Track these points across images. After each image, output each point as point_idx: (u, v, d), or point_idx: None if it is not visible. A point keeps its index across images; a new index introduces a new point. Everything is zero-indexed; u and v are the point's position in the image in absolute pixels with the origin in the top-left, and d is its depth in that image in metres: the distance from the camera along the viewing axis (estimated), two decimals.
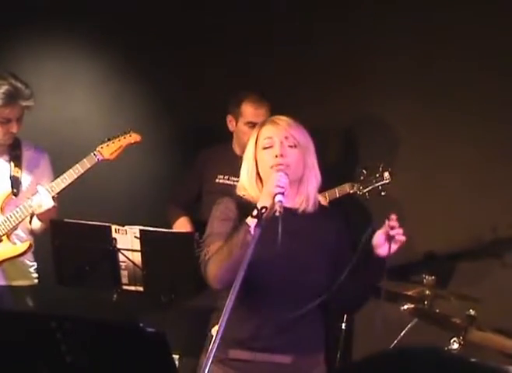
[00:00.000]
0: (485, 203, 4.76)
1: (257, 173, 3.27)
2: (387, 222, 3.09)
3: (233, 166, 4.82)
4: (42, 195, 4.32)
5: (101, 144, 4.56)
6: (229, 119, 4.87)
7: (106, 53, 5.48)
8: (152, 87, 5.50)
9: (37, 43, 5.42)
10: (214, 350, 2.74)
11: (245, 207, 3.17)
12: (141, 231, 4.22)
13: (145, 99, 5.54)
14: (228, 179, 4.82)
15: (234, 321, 3.11)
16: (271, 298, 3.15)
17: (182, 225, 4.82)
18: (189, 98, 5.46)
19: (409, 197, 4.97)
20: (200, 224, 4.77)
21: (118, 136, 4.62)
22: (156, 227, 4.36)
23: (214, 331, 3.32)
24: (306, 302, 3.16)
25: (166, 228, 4.60)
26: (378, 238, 3.13)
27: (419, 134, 4.98)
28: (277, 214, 2.98)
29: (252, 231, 3.01)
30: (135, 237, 4.22)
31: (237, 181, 4.73)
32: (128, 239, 4.23)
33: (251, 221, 3.03)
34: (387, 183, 4.63)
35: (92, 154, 4.52)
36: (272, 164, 3.19)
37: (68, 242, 4.26)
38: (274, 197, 3.02)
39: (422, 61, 4.97)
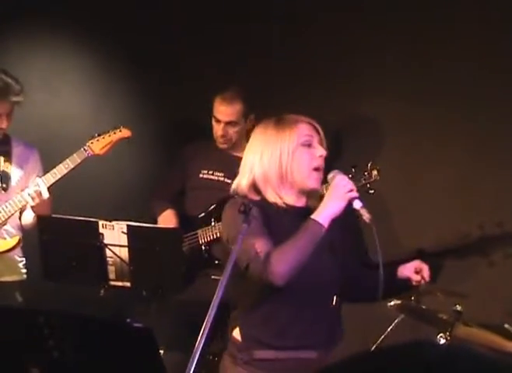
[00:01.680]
0: (472, 201, 4.77)
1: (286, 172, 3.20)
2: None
3: (217, 161, 4.85)
4: (40, 186, 4.33)
5: (91, 139, 4.57)
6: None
7: (94, 49, 5.47)
8: (140, 83, 5.50)
9: (25, 40, 5.40)
10: (200, 347, 2.74)
11: (261, 206, 3.16)
12: (128, 226, 4.21)
13: (133, 95, 5.54)
14: (212, 174, 4.83)
15: (257, 322, 3.19)
16: (294, 299, 3.15)
17: (168, 218, 4.80)
18: (176, 94, 5.45)
19: (397, 195, 4.98)
20: (184, 220, 4.78)
21: (108, 131, 4.62)
22: (144, 222, 4.36)
23: (235, 334, 3.29)
24: (324, 301, 3.22)
25: (153, 224, 4.61)
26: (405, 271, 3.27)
27: (407, 132, 4.99)
28: (367, 221, 3.03)
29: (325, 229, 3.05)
30: (123, 232, 4.21)
31: (222, 176, 4.80)
32: (115, 235, 4.22)
33: (325, 219, 3.05)
34: (376, 182, 4.63)
35: (82, 149, 4.52)
36: (316, 164, 3.19)
37: (55, 237, 4.25)
38: (350, 202, 3.07)
39: (410, 60, 4.97)
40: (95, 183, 5.35)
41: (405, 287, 3.33)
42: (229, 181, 4.77)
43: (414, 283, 3.29)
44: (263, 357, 3.19)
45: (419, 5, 4.93)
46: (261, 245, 3.07)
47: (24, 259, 4.58)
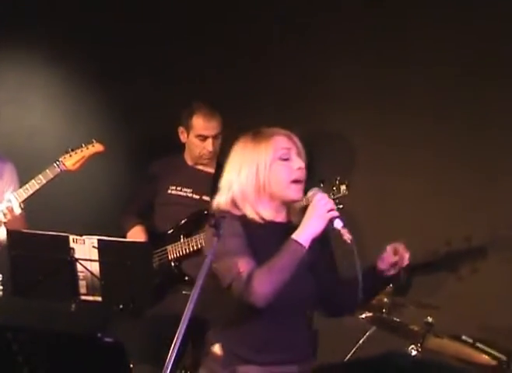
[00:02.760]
0: (439, 216, 4.80)
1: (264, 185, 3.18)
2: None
3: (185, 177, 4.85)
4: (12, 201, 4.31)
5: (64, 154, 4.56)
6: (181, 130, 4.87)
7: (65, 63, 5.46)
8: (111, 97, 5.50)
9: None
10: (172, 361, 2.73)
11: (243, 221, 3.15)
12: (99, 240, 4.20)
13: (104, 109, 5.53)
14: (180, 190, 4.82)
15: (237, 338, 3.17)
16: (276, 315, 3.13)
17: (136, 234, 4.78)
18: (148, 108, 5.46)
19: (365, 210, 4.99)
20: (153, 236, 4.78)
21: (81, 146, 4.61)
22: (114, 237, 4.34)
23: (216, 349, 3.25)
24: (303, 315, 3.24)
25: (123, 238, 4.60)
26: (385, 259, 3.24)
27: (376, 147, 5.01)
28: (348, 241, 3.03)
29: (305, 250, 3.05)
30: (93, 247, 4.19)
31: (190, 192, 4.80)
32: (85, 249, 4.20)
33: (305, 238, 3.05)
34: (344, 196, 4.64)
35: (54, 164, 4.51)
36: (294, 177, 3.17)
37: (25, 252, 4.21)
38: (331, 222, 3.06)
39: (378, 69, 5.00)
40: (65, 198, 5.33)
41: (385, 281, 3.29)
42: (197, 197, 4.78)
43: (393, 270, 3.24)
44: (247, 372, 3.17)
45: (394, 14, 4.96)
46: (243, 264, 3.05)
47: (1, 275, 4.54)
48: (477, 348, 3.96)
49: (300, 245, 3.04)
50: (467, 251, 4.66)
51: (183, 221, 4.72)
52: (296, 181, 3.19)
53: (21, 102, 5.47)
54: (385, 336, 4.35)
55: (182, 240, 4.70)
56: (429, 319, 4.08)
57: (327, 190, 4.63)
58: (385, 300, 4.31)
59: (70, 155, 4.57)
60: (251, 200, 3.18)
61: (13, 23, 5.33)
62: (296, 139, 3.26)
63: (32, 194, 4.42)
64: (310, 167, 5.06)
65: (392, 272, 3.25)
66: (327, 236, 3.24)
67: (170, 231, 4.75)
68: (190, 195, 4.79)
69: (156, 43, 5.46)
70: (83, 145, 4.62)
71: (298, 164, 3.20)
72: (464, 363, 4.09)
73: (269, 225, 3.19)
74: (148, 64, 5.46)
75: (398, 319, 4.28)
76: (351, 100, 5.05)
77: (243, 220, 3.17)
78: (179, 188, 4.82)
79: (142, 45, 5.47)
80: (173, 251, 4.71)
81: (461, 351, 4.04)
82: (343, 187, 4.60)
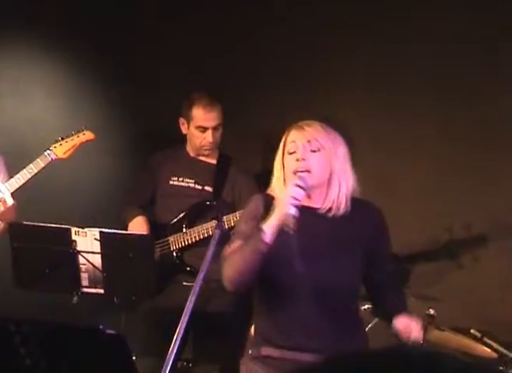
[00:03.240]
0: (440, 204, 4.80)
1: (284, 178, 3.28)
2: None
3: (187, 168, 4.84)
4: (4, 192, 4.31)
5: (54, 143, 4.56)
6: (182, 122, 4.85)
7: (66, 55, 5.44)
8: (111, 88, 5.48)
9: None
10: (174, 353, 2.74)
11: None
12: (101, 233, 4.20)
13: (103, 101, 5.51)
14: (182, 181, 4.81)
15: (267, 320, 3.27)
16: (297, 300, 3.18)
17: (138, 224, 4.75)
18: (148, 99, 5.45)
19: (365, 198, 4.99)
20: (155, 227, 4.77)
21: (72, 135, 4.62)
22: (116, 229, 4.34)
23: (252, 331, 3.45)
24: (333, 305, 3.21)
25: (124, 230, 4.60)
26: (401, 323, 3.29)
27: (376, 137, 5.02)
28: (290, 231, 3.06)
29: (267, 239, 3.07)
30: (95, 239, 4.20)
31: (192, 183, 4.80)
32: (87, 241, 4.21)
33: (268, 228, 3.08)
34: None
35: (45, 153, 4.52)
36: (294, 169, 3.21)
37: (28, 244, 4.22)
38: (287, 209, 3.07)
39: (378, 67, 5.00)
40: (67, 190, 5.33)
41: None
42: (199, 188, 4.77)
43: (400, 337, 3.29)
44: (268, 354, 3.25)
45: (393, 16, 4.97)
46: (233, 247, 3.18)
47: None
48: (483, 342, 3.96)
49: (262, 232, 3.09)
50: (467, 239, 4.67)
51: (185, 212, 4.72)
52: (295, 172, 3.22)
53: (21, 94, 5.46)
54: (387, 328, 4.35)
55: (184, 231, 4.69)
56: (431, 311, 4.08)
57: None
58: None
59: (61, 144, 4.58)
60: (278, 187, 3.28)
61: (11, 14, 5.31)
62: (308, 128, 3.29)
63: (24, 184, 4.42)
64: None
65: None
66: (384, 228, 3.27)
67: (172, 222, 4.74)
68: (192, 186, 4.78)
69: (157, 33, 5.45)
70: (73, 133, 4.63)
71: (298, 155, 3.23)
72: (466, 355, 4.10)
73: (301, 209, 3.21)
74: (148, 55, 5.45)
75: None
76: (356, 97, 5.05)
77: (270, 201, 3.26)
78: (181, 179, 4.81)
79: (142, 35, 5.45)
80: (176, 242, 4.71)
81: (463, 344, 4.05)
82: None
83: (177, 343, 2.75)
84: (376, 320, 4.37)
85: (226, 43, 5.37)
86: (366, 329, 4.38)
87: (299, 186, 3.11)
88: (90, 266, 4.24)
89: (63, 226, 4.23)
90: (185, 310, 2.81)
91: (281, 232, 3.08)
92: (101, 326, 2.76)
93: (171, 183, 4.81)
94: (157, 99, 5.42)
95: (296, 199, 3.08)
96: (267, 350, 3.25)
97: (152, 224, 4.77)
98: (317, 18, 5.17)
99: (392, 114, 4.97)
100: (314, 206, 3.26)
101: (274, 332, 3.23)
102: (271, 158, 3.38)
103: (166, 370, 2.72)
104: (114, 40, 5.44)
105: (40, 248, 4.22)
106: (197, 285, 2.87)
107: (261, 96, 5.23)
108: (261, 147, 5.03)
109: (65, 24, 5.40)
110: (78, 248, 4.22)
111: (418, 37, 4.89)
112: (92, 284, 4.29)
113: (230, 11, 5.39)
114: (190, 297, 2.84)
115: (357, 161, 4.95)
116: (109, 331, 2.75)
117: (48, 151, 4.53)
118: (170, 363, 2.73)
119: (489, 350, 3.97)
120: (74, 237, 4.21)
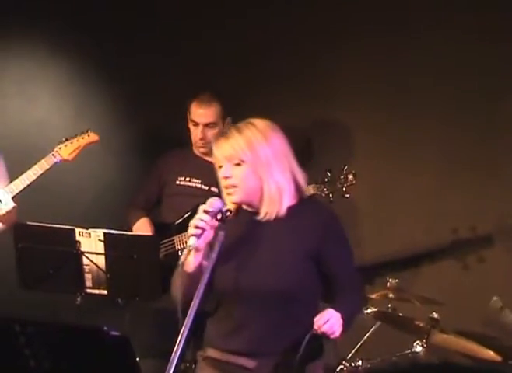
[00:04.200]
0: (445, 205, 4.80)
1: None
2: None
3: (194, 168, 4.83)
4: (3, 196, 4.31)
5: (59, 144, 4.58)
6: (187, 117, 4.87)
7: (69, 57, 5.45)
8: (116, 91, 5.49)
9: (0, 46, 5.37)
10: (178, 354, 2.74)
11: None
12: (105, 234, 4.21)
13: (109, 102, 5.52)
14: (189, 181, 4.81)
15: (214, 321, 3.25)
16: (242, 304, 3.16)
17: (142, 226, 4.77)
18: (153, 101, 5.45)
19: (372, 200, 5.00)
20: (160, 227, 4.77)
21: (76, 136, 4.64)
22: (120, 230, 4.35)
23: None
24: (272, 310, 3.15)
25: (129, 232, 4.60)
26: None
27: (381, 137, 5.02)
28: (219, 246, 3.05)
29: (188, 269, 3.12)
30: (99, 240, 4.20)
31: (198, 183, 4.80)
32: (91, 242, 4.22)
33: (185, 258, 3.13)
34: (352, 185, 4.64)
35: (50, 154, 4.54)
36: (223, 186, 3.21)
37: (32, 245, 4.22)
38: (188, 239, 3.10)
39: (385, 65, 5.00)
40: (72, 191, 5.34)
41: None
42: (205, 188, 4.77)
43: None
44: (211, 356, 3.25)
45: (396, 13, 4.96)
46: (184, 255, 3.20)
47: None
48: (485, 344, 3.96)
49: (182, 265, 3.16)
50: (472, 241, 4.67)
51: (190, 212, 4.71)
52: (226, 187, 3.21)
53: (27, 94, 5.47)
54: (390, 331, 4.35)
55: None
56: (435, 315, 4.07)
57: (335, 179, 4.62)
58: (390, 295, 4.30)
59: (65, 145, 4.60)
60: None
61: (16, 15, 5.32)
62: (223, 142, 3.21)
63: (29, 185, 4.43)
64: (312, 155, 5.11)
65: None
66: (333, 230, 3.24)
67: (177, 222, 4.74)
68: (199, 186, 4.78)
69: (163, 33, 5.46)
70: (78, 135, 4.64)
71: (222, 173, 3.22)
72: (470, 358, 4.09)
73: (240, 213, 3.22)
74: (154, 55, 5.45)
75: (403, 315, 4.29)
76: (358, 97, 5.05)
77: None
78: (187, 179, 4.81)
79: (147, 36, 5.46)
80: (181, 241, 4.70)
81: (466, 347, 4.04)
82: (350, 176, 4.61)
83: (181, 344, 2.75)
84: (378, 324, 4.37)
85: (229, 41, 5.37)
86: (369, 333, 4.40)
87: (205, 212, 3.08)
88: (94, 266, 4.24)
89: (67, 227, 4.24)
90: (189, 311, 2.80)
91: (219, 243, 3.05)
92: (105, 328, 2.75)
93: (178, 182, 4.82)
94: (162, 99, 5.42)
95: (199, 227, 3.06)
96: (210, 352, 3.25)
97: (158, 223, 4.77)
98: (315, 16, 5.18)
99: (396, 114, 4.97)
100: (254, 212, 3.23)
101: (216, 336, 3.23)
102: None
103: (169, 371, 2.71)
104: (119, 39, 5.44)
105: (44, 248, 4.22)
106: (201, 287, 2.87)
107: (268, 100, 5.23)
108: None
109: (70, 24, 5.41)
110: (82, 249, 4.22)
111: (419, 35, 4.89)
112: (95, 285, 4.30)
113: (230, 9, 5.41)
114: (194, 298, 2.84)
115: (361, 162, 4.98)
116: (113, 332, 2.75)
117: (53, 153, 4.54)
118: (174, 365, 2.72)
119: (493, 353, 3.96)
120: (78, 238, 4.21)
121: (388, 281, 4.33)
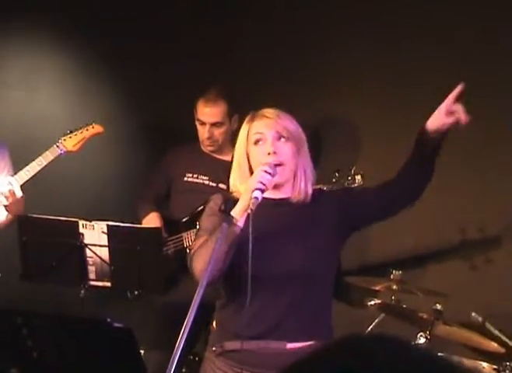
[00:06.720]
0: (454, 205, 4.77)
1: (250, 168, 3.17)
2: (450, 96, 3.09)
3: (202, 165, 4.83)
4: (13, 184, 4.31)
5: (64, 136, 4.58)
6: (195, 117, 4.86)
7: (72, 47, 5.43)
8: (119, 82, 5.48)
9: (1, 37, 5.36)
10: (181, 347, 2.73)
11: (234, 204, 3.10)
12: (108, 226, 4.21)
13: (112, 94, 5.51)
14: (197, 178, 4.79)
15: (230, 313, 3.20)
16: (267, 289, 3.11)
17: (152, 220, 4.77)
18: (157, 93, 5.44)
19: None
20: (169, 223, 4.77)
21: (81, 128, 4.65)
22: (124, 222, 4.35)
23: (214, 326, 3.37)
24: (295, 293, 3.13)
25: (133, 224, 4.59)
26: (438, 113, 3.18)
27: (387, 136, 4.99)
28: (249, 211, 2.97)
29: (239, 223, 3.01)
30: (103, 232, 4.20)
31: (206, 180, 4.80)
32: (95, 234, 4.22)
33: (236, 213, 3.01)
34: (359, 186, 4.63)
35: (54, 146, 4.54)
36: (265, 162, 3.09)
37: (35, 237, 4.23)
38: (252, 192, 2.97)
39: (390, 61, 4.97)
40: (75, 183, 5.33)
41: (437, 142, 3.28)
42: (213, 184, 4.75)
43: (448, 126, 3.16)
44: (232, 348, 3.16)
45: (399, 9, 4.95)
46: (198, 243, 3.13)
47: None
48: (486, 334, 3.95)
49: (232, 219, 3.01)
50: (481, 240, 4.64)
51: (198, 209, 4.70)
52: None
53: (29, 86, 5.46)
54: (394, 323, 4.35)
55: (197, 227, 4.68)
56: (438, 306, 4.07)
57: (343, 180, 4.61)
58: (394, 287, 4.30)
59: (70, 137, 4.60)
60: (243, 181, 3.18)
61: (17, 7, 5.31)
62: (272, 116, 3.18)
63: (33, 176, 4.43)
64: (326, 157, 5.09)
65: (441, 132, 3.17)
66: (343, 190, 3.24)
67: (185, 219, 4.73)
68: (206, 182, 4.76)
69: (167, 24, 5.44)
70: (83, 127, 4.65)
71: (268, 149, 3.12)
72: (473, 350, 4.09)
73: (266, 203, 3.13)
74: (158, 46, 5.44)
75: (406, 306, 4.29)
76: (364, 96, 5.02)
77: (229, 198, 3.19)
78: (195, 175, 4.80)
79: (152, 26, 5.44)
80: (189, 238, 4.70)
81: (470, 338, 4.04)
82: (358, 177, 4.59)
83: (184, 336, 2.74)
84: (382, 316, 4.37)
85: (234, 36, 5.36)
86: (372, 324, 4.40)
87: (267, 172, 3.01)
88: (98, 259, 4.24)
89: (71, 219, 4.24)
90: (192, 304, 2.80)
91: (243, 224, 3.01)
92: (108, 319, 2.76)
93: (186, 179, 4.80)
94: (166, 91, 5.41)
95: (263, 183, 2.99)
96: (230, 344, 3.16)
97: (167, 219, 4.77)
98: (319, 10, 5.16)
99: (403, 109, 4.94)
100: (283, 196, 3.19)
101: (235, 324, 3.14)
102: None
103: (173, 363, 2.71)
104: (123, 31, 5.43)
105: (47, 241, 4.23)
106: (204, 279, 2.86)
107: (273, 98, 5.21)
108: None
109: (73, 15, 5.39)
110: (86, 241, 4.22)
111: (420, 33, 4.87)
112: (99, 277, 4.30)
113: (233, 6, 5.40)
114: (198, 289, 2.83)
115: (366, 160, 4.96)
116: (116, 324, 2.76)
117: (58, 144, 4.54)
118: (177, 356, 2.71)
119: (496, 345, 3.96)
120: (81, 230, 4.21)
121: (392, 273, 4.32)
